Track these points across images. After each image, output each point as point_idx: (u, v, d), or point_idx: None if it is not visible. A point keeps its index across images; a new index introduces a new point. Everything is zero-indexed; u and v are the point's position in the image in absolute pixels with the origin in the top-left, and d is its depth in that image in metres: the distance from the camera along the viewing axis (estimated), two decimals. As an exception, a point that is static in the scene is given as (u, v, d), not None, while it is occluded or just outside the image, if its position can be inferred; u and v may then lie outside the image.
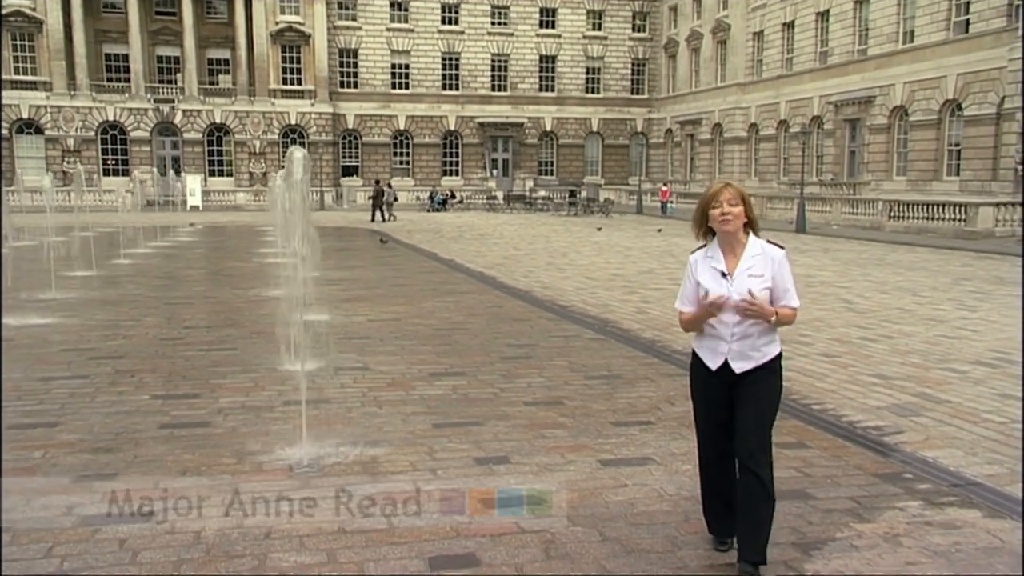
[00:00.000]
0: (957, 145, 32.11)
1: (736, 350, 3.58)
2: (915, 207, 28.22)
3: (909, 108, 34.20)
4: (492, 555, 3.78)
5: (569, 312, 11.09)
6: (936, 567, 3.70)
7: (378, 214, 35.52)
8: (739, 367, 3.58)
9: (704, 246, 3.70)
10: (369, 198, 38.20)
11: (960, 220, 26.06)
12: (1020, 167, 26.91)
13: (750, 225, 3.62)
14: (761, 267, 3.55)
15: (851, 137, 38.52)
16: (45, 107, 47.20)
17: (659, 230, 29.11)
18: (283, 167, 5.84)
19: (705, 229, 3.67)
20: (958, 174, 31.78)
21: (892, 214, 28.90)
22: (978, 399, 6.68)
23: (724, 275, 3.56)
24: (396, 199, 38.98)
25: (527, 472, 4.86)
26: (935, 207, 27.37)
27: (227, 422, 5.82)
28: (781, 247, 3.64)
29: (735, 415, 3.63)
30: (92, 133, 48.21)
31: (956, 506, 4.42)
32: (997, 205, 25.75)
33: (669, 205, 41.44)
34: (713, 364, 3.63)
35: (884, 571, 3.66)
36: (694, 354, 3.78)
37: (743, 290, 3.50)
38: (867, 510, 4.34)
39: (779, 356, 3.65)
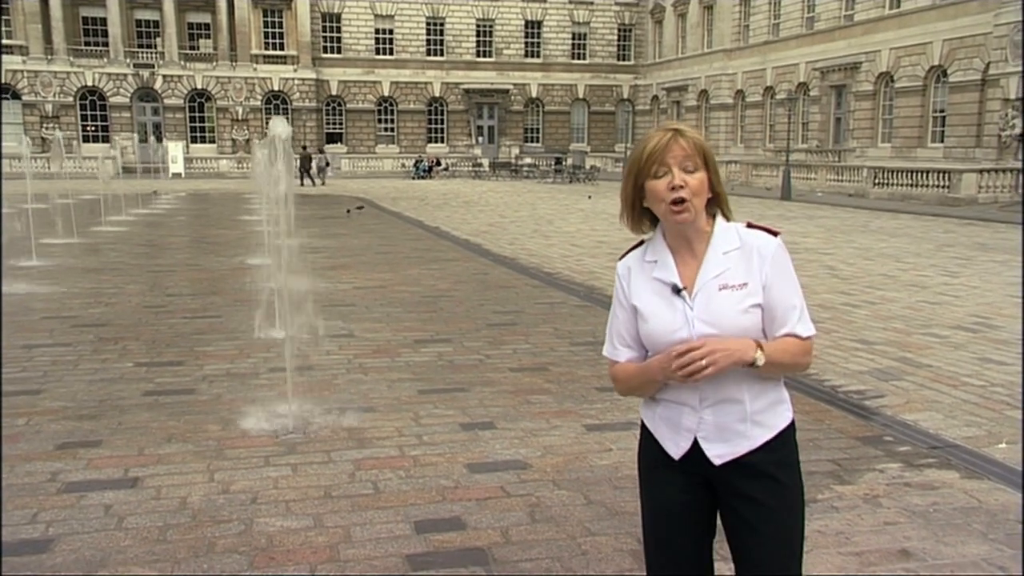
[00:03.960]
0: (942, 112, 32.15)
1: (711, 423, 2.06)
2: (899, 174, 28.33)
3: (895, 74, 34.15)
4: (478, 519, 3.81)
5: (555, 279, 11.10)
6: (914, 527, 3.76)
7: (307, 180, 36.41)
8: (718, 453, 2.06)
9: (639, 244, 2.19)
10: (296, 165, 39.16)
11: (944, 187, 26.19)
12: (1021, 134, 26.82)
13: (715, 201, 2.09)
14: (741, 270, 2.04)
15: (837, 104, 38.47)
16: (22, 72, 46.35)
17: None
18: (266, 134, 5.78)
19: (643, 215, 2.13)
20: (942, 141, 31.87)
21: (877, 181, 29.00)
22: (958, 363, 6.76)
23: (678, 290, 2.05)
24: (328, 163, 41.04)
25: (512, 437, 4.89)
26: (919, 174, 27.49)
27: (212, 389, 5.81)
28: (774, 233, 2.10)
29: (733, 544, 2.14)
30: (71, 99, 47.46)
31: (935, 467, 4.49)
32: (980, 171, 25.89)
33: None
34: (675, 449, 2.11)
35: (864, 531, 3.72)
36: (644, 431, 2.23)
37: (713, 314, 2.02)
38: (848, 472, 4.40)
39: (791, 428, 2.12)
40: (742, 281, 2.04)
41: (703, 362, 1.94)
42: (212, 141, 50.13)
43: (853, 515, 3.88)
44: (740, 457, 2.06)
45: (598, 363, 6.63)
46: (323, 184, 37.19)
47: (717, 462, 2.07)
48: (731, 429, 2.05)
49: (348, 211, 22.01)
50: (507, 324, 8.12)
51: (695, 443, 2.08)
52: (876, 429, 5.11)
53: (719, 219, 2.11)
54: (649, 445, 2.20)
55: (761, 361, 1.99)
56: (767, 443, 2.06)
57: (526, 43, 55.36)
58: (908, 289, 10.49)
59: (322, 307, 8.68)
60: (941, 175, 26.49)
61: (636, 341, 2.15)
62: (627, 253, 2.20)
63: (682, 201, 2.00)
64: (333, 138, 52.41)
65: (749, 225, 2.12)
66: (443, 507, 3.93)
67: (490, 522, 3.78)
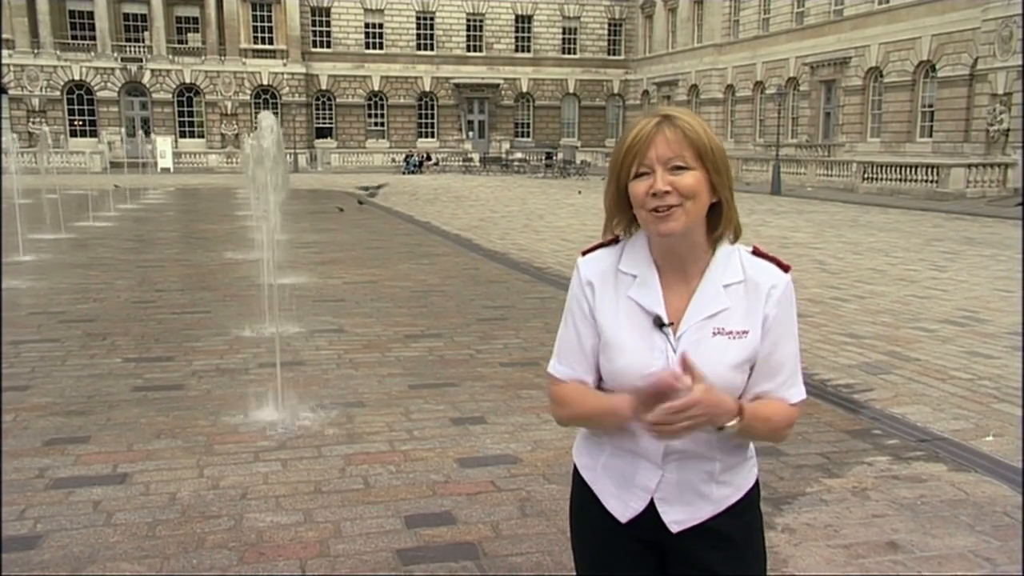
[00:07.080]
0: (930, 107, 32.29)
1: (673, 482, 1.69)
2: (888, 169, 28.43)
3: (884, 69, 34.26)
4: (468, 513, 3.81)
5: (545, 274, 11.10)
6: (902, 519, 3.79)
7: None
8: (676, 519, 1.71)
9: (613, 241, 1.74)
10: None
11: (932, 181, 26.31)
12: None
13: (719, 213, 1.66)
14: (741, 313, 1.64)
15: (826, 99, 38.58)
16: (8, 65, 45.95)
17: None
18: (255, 128, 5.79)
19: (632, 224, 1.70)
20: (931, 136, 32.01)
21: (866, 176, 29.10)
22: (946, 357, 6.80)
23: (662, 324, 1.63)
24: None
25: (503, 432, 4.89)
26: (908, 168, 27.59)
27: (201, 384, 5.79)
28: (785, 268, 1.69)
29: None
30: (58, 93, 47.12)
31: (922, 460, 4.51)
32: (969, 166, 26.00)
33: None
34: (622, 510, 1.73)
35: (852, 524, 3.74)
36: (578, 480, 1.82)
37: (699, 363, 1.55)
38: (836, 465, 4.42)
39: (757, 487, 1.79)
40: (742, 328, 1.62)
41: (685, 423, 1.51)
42: (201, 136, 49.86)
43: (842, 508, 3.91)
44: (708, 522, 1.70)
45: (588, 358, 6.63)
46: None
47: (675, 529, 1.70)
48: (694, 490, 1.68)
49: (340, 209, 21.79)
50: (498, 319, 8.11)
51: (651, 504, 1.69)
52: (865, 422, 5.14)
53: (723, 240, 1.67)
54: (586, 501, 1.78)
55: (733, 430, 1.60)
56: (731, 507, 1.71)
57: (516, 38, 55.26)
58: (897, 283, 10.53)
59: (312, 302, 8.66)
60: (930, 170, 26.60)
61: (587, 363, 1.72)
62: (593, 250, 1.74)
63: (663, 212, 1.58)
64: (323, 133, 52.21)
65: (756, 252, 1.69)
66: (433, 502, 3.93)
67: (480, 516, 3.78)
